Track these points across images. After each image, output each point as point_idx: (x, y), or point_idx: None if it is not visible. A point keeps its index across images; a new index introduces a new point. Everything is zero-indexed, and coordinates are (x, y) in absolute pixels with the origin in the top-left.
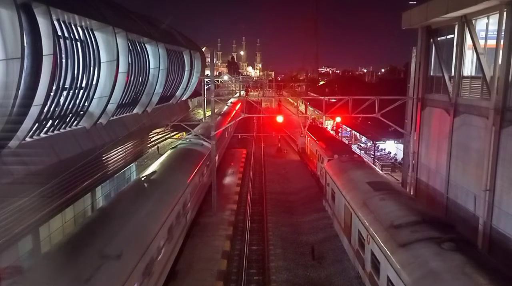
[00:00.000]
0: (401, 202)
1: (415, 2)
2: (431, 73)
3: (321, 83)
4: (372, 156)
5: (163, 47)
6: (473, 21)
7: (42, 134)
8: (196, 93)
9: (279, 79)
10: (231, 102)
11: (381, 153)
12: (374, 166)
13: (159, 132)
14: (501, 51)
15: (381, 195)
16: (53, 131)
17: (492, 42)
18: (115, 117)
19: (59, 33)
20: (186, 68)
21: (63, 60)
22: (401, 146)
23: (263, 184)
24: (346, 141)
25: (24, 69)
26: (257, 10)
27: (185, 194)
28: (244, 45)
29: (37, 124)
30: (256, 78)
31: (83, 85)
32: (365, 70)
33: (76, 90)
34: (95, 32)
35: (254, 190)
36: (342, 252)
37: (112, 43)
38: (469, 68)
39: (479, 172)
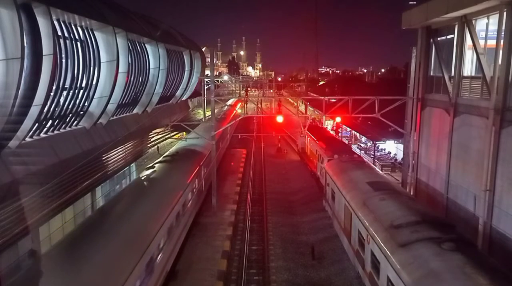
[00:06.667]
0: (401, 202)
1: (415, 2)
2: (431, 73)
3: (321, 83)
4: (372, 156)
5: (163, 47)
6: (473, 21)
7: (42, 134)
8: (196, 93)
9: (279, 79)
10: (233, 100)
11: (381, 153)
12: (374, 166)
13: (159, 132)
14: (501, 51)
15: (381, 195)
16: (53, 131)
17: (492, 42)
18: (115, 117)
19: (59, 33)
20: (186, 68)
21: (63, 60)
22: (401, 146)
23: (263, 183)
24: (346, 142)
25: (24, 69)
26: (257, 10)
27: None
28: (244, 45)
29: (37, 124)
30: (256, 78)
31: (83, 85)
32: (365, 70)
33: (76, 90)
34: (95, 32)
35: (254, 189)
36: (342, 252)
37: (112, 43)
38: (469, 68)
39: (479, 172)
